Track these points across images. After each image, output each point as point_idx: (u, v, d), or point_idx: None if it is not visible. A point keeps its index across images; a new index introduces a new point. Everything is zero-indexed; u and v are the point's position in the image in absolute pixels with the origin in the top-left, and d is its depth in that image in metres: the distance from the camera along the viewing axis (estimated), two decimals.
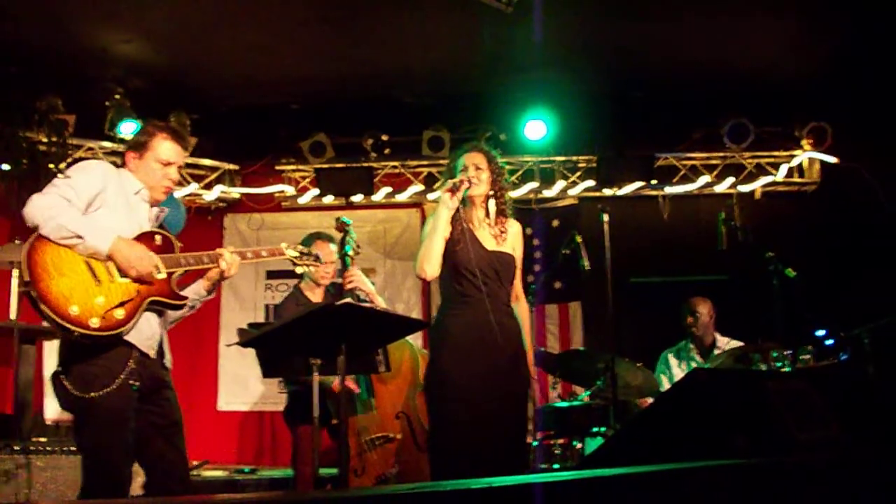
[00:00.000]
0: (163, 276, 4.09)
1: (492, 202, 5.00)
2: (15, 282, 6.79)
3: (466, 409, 4.61)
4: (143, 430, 4.07)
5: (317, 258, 4.75)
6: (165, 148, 4.26)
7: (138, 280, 4.01)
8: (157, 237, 4.19)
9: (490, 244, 4.90)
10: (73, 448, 5.83)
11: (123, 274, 3.99)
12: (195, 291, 4.39)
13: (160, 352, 4.20)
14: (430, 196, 9.31)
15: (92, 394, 3.88)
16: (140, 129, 4.36)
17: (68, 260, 3.90)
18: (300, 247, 4.69)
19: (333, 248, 6.02)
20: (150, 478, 4.14)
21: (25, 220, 3.92)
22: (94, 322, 3.84)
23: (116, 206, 4.11)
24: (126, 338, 3.97)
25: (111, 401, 3.90)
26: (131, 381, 3.97)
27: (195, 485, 6.98)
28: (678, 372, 7.35)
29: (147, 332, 4.09)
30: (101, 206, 4.06)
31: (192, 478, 6.90)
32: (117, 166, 4.33)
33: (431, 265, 4.72)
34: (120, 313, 3.92)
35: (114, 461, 3.92)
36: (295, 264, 4.67)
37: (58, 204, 3.90)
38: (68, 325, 3.81)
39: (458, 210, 4.86)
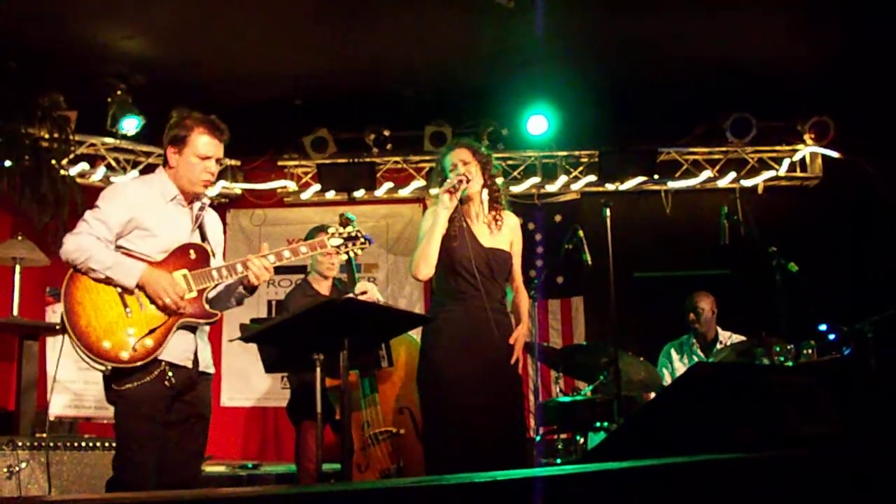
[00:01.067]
0: (193, 294, 4.15)
1: (485, 192, 5.00)
2: (17, 278, 6.80)
3: (460, 405, 4.63)
4: (168, 419, 4.16)
5: (366, 239, 4.49)
6: (203, 142, 4.25)
7: (166, 309, 4.08)
8: (192, 251, 4.22)
9: (486, 240, 4.90)
10: (76, 444, 5.84)
11: (153, 301, 4.08)
12: (239, 292, 4.43)
13: (196, 360, 4.25)
14: (433, 192, 9.31)
15: (127, 386, 4.02)
16: (177, 121, 4.35)
17: (102, 294, 4.04)
18: (343, 230, 4.46)
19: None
20: (161, 463, 4.16)
21: (63, 259, 4.08)
22: (125, 355, 3.98)
23: (153, 222, 4.17)
24: (160, 357, 4.07)
25: (144, 392, 4.03)
26: (165, 379, 4.08)
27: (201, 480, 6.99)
28: (680, 366, 7.34)
29: (182, 347, 4.17)
30: (136, 228, 4.14)
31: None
32: (156, 166, 4.38)
33: (428, 266, 4.74)
34: (149, 342, 4.03)
35: (144, 452, 4.03)
36: (340, 253, 4.52)
37: (87, 245, 4.02)
38: (101, 360, 3.96)
39: (469, 208, 4.89)
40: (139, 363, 4.00)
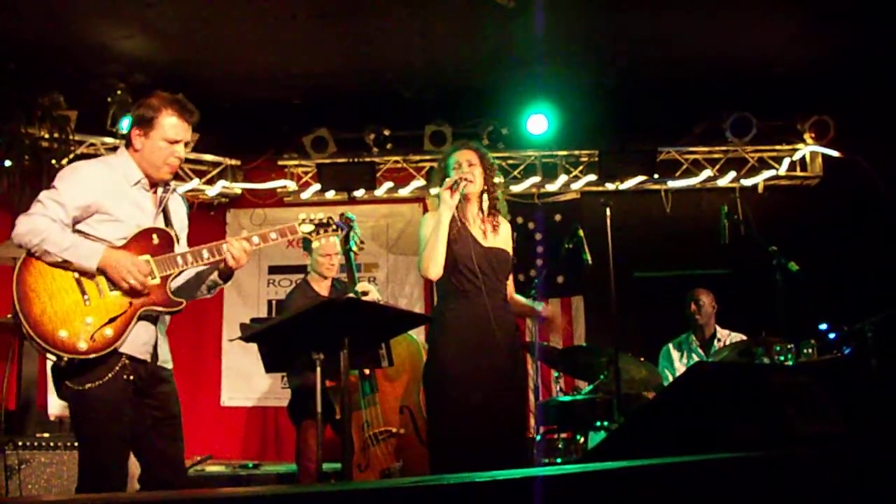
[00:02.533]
0: (156, 281, 3.93)
1: (484, 197, 5.01)
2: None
3: (466, 404, 4.63)
4: (140, 422, 3.97)
5: (339, 225, 4.37)
6: (171, 124, 4.02)
7: (131, 292, 3.87)
8: (155, 236, 3.99)
9: (484, 240, 4.91)
10: (75, 443, 5.83)
11: (115, 287, 3.87)
12: (212, 280, 4.22)
13: (155, 354, 4.04)
14: (433, 191, 9.31)
15: (87, 385, 3.79)
16: (145, 102, 4.08)
17: (58, 280, 3.79)
18: (314, 216, 4.34)
19: (335, 240, 6.02)
20: (146, 471, 4.04)
21: (14, 243, 3.82)
22: (82, 346, 3.74)
23: (114, 206, 3.95)
24: (120, 349, 3.86)
25: (106, 392, 3.81)
26: (125, 375, 3.87)
27: (198, 480, 6.99)
28: (680, 366, 7.35)
29: (142, 338, 3.97)
30: (96, 212, 3.92)
31: (195, 473, 6.95)
32: (117, 148, 4.16)
33: (437, 266, 4.74)
34: (109, 332, 3.80)
35: (109, 452, 3.85)
36: (310, 241, 4.37)
37: (42, 227, 3.77)
38: (56, 351, 3.73)
39: (466, 209, 4.89)
40: (98, 354, 3.76)
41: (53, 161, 7.83)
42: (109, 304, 3.84)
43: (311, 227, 4.32)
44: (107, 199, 3.93)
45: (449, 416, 4.68)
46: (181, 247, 4.16)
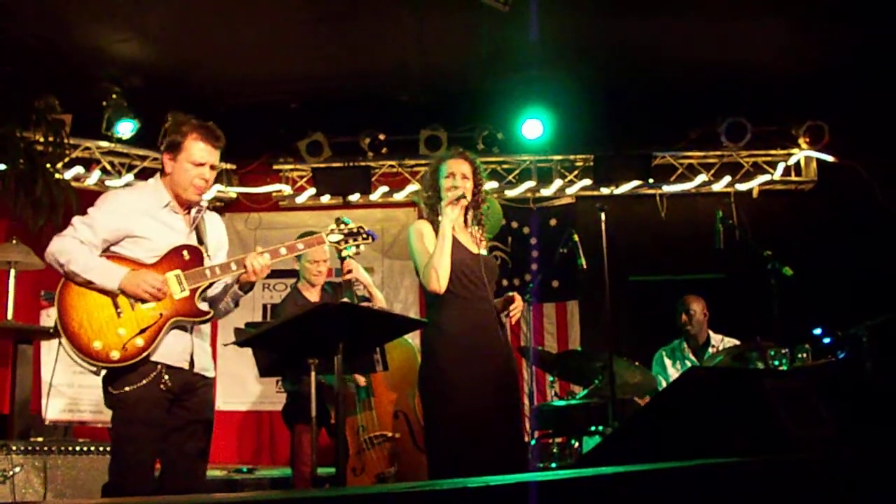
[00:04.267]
0: (185, 293, 4.15)
1: (471, 212, 5.00)
2: (12, 282, 6.80)
3: (467, 410, 4.62)
4: (168, 424, 4.16)
5: (368, 235, 4.43)
6: (198, 149, 4.24)
7: (150, 302, 4.09)
8: (185, 252, 4.21)
9: (473, 249, 4.90)
10: (70, 448, 5.83)
11: (139, 301, 4.09)
12: (234, 292, 4.40)
13: (192, 362, 4.23)
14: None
15: (126, 388, 4.03)
16: (173, 126, 4.32)
17: (95, 297, 4.06)
18: (343, 225, 4.39)
19: (326, 248, 6.01)
20: (164, 470, 4.20)
21: (46, 261, 4.14)
22: (115, 355, 4.00)
23: (145, 228, 4.18)
24: (154, 358, 4.08)
25: (140, 395, 4.04)
26: (160, 382, 4.08)
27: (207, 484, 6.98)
28: (673, 372, 7.34)
29: (178, 348, 4.17)
30: (127, 237, 4.15)
31: None
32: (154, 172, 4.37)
33: (445, 279, 4.71)
34: (140, 341, 4.04)
35: (138, 453, 4.03)
36: (339, 250, 4.40)
37: (70, 248, 4.04)
38: (92, 361, 4.00)
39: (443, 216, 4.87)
40: (130, 362, 4.01)
41: (48, 165, 7.80)
42: (140, 317, 4.08)
43: (339, 237, 4.38)
44: (136, 223, 4.18)
45: (449, 422, 4.66)
46: (214, 261, 4.33)
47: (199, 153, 4.25)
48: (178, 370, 4.16)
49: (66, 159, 8.41)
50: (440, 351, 4.74)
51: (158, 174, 4.38)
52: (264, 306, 9.54)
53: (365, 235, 4.43)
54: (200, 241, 4.34)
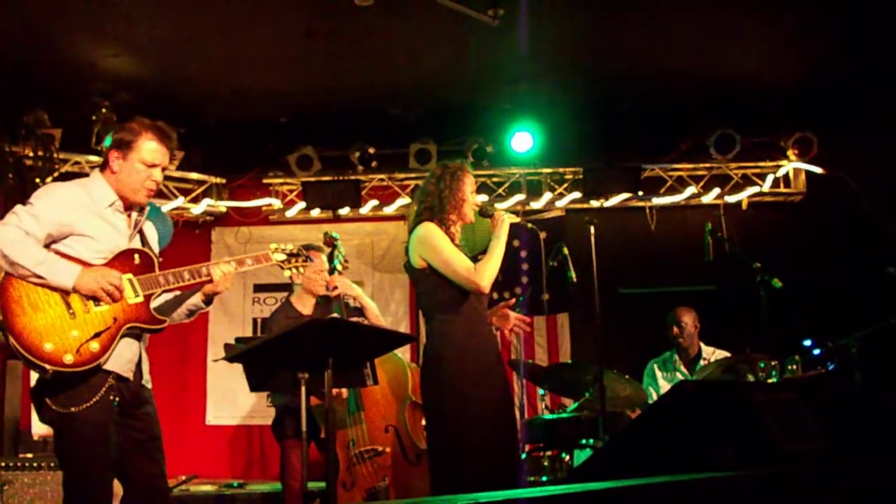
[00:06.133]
0: (139, 299, 3.98)
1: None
2: None
3: (489, 421, 4.63)
4: (123, 444, 4.00)
5: (307, 258, 4.51)
6: (150, 149, 4.08)
7: (111, 302, 3.90)
8: (136, 256, 4.04)
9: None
10: (58, 464, 5.80)
11: (97, 302, 3.89)
12: (193, 303, 4.28)
13: (139, 372, 4.08)
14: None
15: (72, 409, 3.81)
16: (125, 125, 4.15)
17: (43, 293, 3.81)
18: (288, 246, 4.45)
19: (324, 257, 6.02)
20: (129, 493, 4.05)
21: None
22: (69, 358, 3.76)
23: (89, 226, 3.99)
24: (106, 366, 3.89)
25: (91, 415, 3.83)
26: (111, 396, 3.90)
27: (183, 499, 6.96)
28: (664, 384, 7.35)
29: (126, 356, 4.00)
30: (71, 234, 3.94)
31: (181, 493, 6.91)
32: (95, 167, 4.23)
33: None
34: (95, 346, 3.83)
35: (95, 476, 3.86)
36: (283, 268, 4.45)
37: (15, 238, 3.79)
38: (42, 364, 3.73)
39: (451, 226, 4.88)
40: (84, 368, 3.78)
41: (38, 179, 7.81)
42: (95, 319, 3.86)
43: (283, 256, 4.44)
44: (81, 220, 3.97)
45: (478, 433, 4.60)
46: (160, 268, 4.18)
47: (151, 153, 4.09)
48: (126, 381, 3.98)
49: (56, 174, 8.39)
50: (456, 360, 4.68)
51: (97, 170, 4.19)
52: (254, 320, 9.52)
53: (305, 258, 4.50)
54: (144, 243, 4.20)
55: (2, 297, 3.76)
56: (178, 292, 4.23)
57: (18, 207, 3.88)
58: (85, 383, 3.83)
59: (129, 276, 3.99)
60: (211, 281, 4.14)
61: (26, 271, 3.77)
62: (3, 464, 5.65)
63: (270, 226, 9.70)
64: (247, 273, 9.26)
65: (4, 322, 3.73)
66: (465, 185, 4.95)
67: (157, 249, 4.32)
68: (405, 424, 6.19)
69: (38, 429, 7.84)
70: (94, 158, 8.82)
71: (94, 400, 3.84)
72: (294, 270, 4.51)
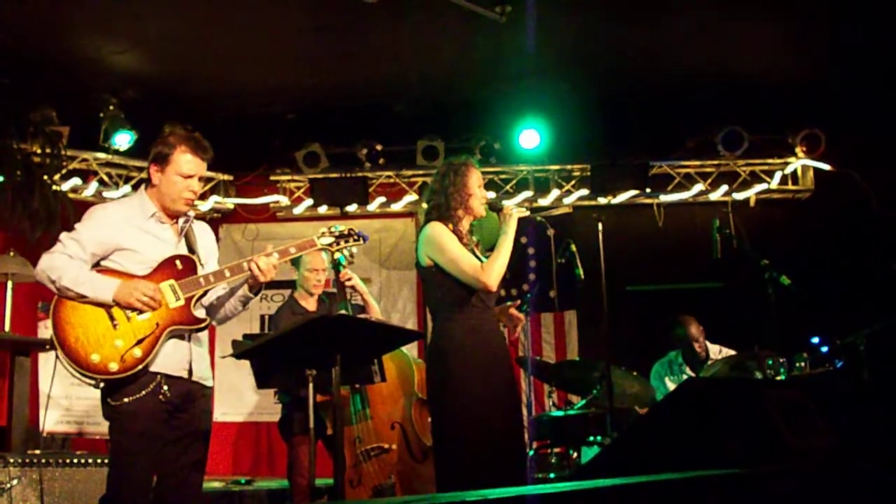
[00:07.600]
0: (181, 303, 4.15)
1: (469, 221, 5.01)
2: (9, 294, 6.80)
3: (499, 418, 4.63)
4: (168, 436, 4.15)
5: (359, 235, 4.50)
6: (186, 161, 4.25)
7: (150, 311, 4.08)
8: (178, 262, 4.22)
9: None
10: (67, 460, 5.82)
11: (139, 312, 4.08)
12: (243, 294, 4.39)
13: (191, 371, 4.23)
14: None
15: (124, 399, 4.02)
16: (162, 138, 4.33)
17: (90, 310, 4.05)
18: (336, 227, 4.49)
19: (325, 256, 6.01)
20: (161, 483, 4.18)
21: (36, 279, 4.12)
22: (113, 366, 3.98)
23: (132, 240, 4.18)
24: (153, 368, 4.07)
25: (138, 407, 4.03)
26: (160, 393, 4.07)
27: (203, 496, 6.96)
28: (671, 384, 7.33)
29: (176, 357, 4.17)
30: (115, 249, 4.15)
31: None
32: (140, 183, 4.35)
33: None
34: (138, 352, 4.03)
35: (136, 466, 4.03)
36: (332, 252, 4.45)
37: (59, 265, 4.03)
38: (90, 374, 3.98)
39: (459, 223, 4.86)
40: (129, 373, 4.00)
41: (45, 176, 7.81)
42: (137, 327, 4.07)
43: (330, 239, 4.46)
44: (124, 235, 4.18)
45: (469, 430, 4.61)
46: (207, 269, 4.33)
47: (188, 165, 4.26)
48: (178, 379, 4.15)
49: (64, 171, 8.41)
50: (458, 358, 4.66)
51: (143, 186, 4.38)
52: (262, 317, 9.53)
53: (356, 237, 4.49)
54: (191, 250, 4.35)
55: (54, 318, 4.03)
56: (226, 286, 4.38)
57: (63, 235, 4.14)
58: (135, 383, 4.04)
59: (171, 281, 4.17)
60: (252, 275, 4.27)
61: (71, 293, 4.02)
62: (11, 460, 5.65)
63: (278, 223, 9.71)
64: None
65: (57, 340, 3.99)
66: (470, 181, 4.93)
67: (209, 251, 4.50)
68: (411, 421, 6.19)
69: (49, 425, 7.89)
70: (102, 155, 8.84)
71: (143, 394, 4.05)
72: (347, 252, 4.50)
